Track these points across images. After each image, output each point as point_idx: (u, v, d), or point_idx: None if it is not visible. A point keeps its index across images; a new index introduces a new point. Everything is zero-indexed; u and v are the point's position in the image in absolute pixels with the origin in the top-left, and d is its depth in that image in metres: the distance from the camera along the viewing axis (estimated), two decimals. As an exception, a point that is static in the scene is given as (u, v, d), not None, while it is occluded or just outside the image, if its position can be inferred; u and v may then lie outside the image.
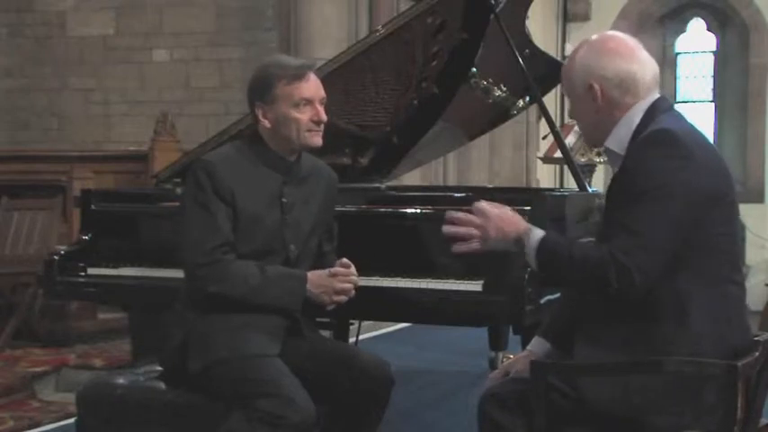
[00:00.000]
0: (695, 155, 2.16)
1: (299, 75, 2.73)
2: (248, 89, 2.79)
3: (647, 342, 2.16)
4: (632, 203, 2.14)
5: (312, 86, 2.75)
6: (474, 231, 2.31)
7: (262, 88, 2.74)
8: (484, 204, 2.33)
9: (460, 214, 2.35)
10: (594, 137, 2.40)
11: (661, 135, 2.18)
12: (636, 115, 2.28)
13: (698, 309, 2.16)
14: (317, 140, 2.77)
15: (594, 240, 2.35)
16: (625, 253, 2.11)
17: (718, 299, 2.19)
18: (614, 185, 2.25)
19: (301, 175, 2.83)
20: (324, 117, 2.76)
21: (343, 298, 2.75)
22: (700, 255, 2.17)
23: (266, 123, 2.75)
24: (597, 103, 2.29)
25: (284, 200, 2.77)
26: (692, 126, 2.29)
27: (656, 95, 2.31)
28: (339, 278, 2.74)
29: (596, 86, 2.27)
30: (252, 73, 2.83)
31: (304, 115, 2.72)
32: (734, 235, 2.25)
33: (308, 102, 2.73)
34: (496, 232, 2.30)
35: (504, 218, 2.31)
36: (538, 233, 2.27)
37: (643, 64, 2.29)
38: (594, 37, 2.36)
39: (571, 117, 2.45)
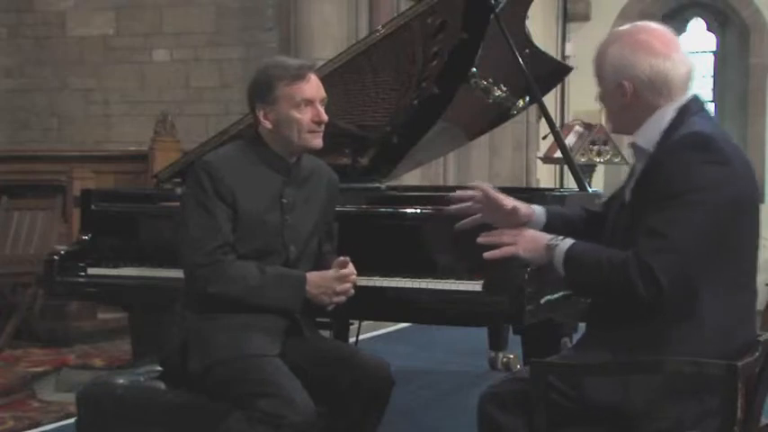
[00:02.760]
0: (731, 161, 2.14)
1: (299, 75, 2.73)
2: (249, 90, 2.79)
3: (655, 344, 2.14)
4: (664, 206, 2.12)
5: (313, 87, 2.75)
6: (508, 238, 2.34)
7: (263, 89, 2.74)
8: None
9: (497, 231, 2.40)
10: (621, 129, 2.37)
11: (698, 139, 2.14)
12: (667, 114, 2.24)
13: (711, 314, 2.15)
14: (318, 142, 2.77)
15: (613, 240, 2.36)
16: (652, 255, 2.09)
17: (731, 305, 2.17)
18: (643, 184, 2.22)
19: (302, 175, 2.83)
20: (325, 117, 2.76)
21: (342, 298, 2.75)
22: (720, 260, 2.15)
23: (267, 124, 2.75)
24: (626, 99, 2.25)
25: (285, 200, 2.77)
26: (723, 130, 2.27)
27: (689, 95, 2.27)
28: (338, 279, 2.74)
29: (627, 85, 2.24)
30: (252, 73, 2.83)
31: (305, 116, 2.72)
32: (755, 242, 2.23)
33: (309, 102, 2.73)
34: (529, 240, 2.34)
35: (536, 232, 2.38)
36: (568, 241, 2.28)
37: (676, 62, 2.23)
38: (627, 28, 2.30)
39: (599, 102, 2.40)
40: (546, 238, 2.33)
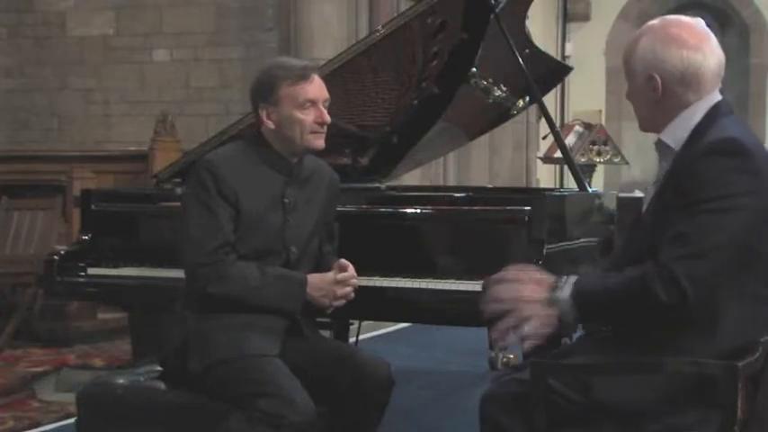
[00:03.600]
0: (762, 171, 2.10)
1: (303, 76, 2.73)
2: (252, 90, 2.79)
3: (668, 351, 2.12)
4: (691, 212, 2.08)
5: (316, 87, 2.75)
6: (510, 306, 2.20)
7: (266, 89, 2.74)
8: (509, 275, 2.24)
9: (497, 306, 2.22)
10: (649, 126, 2.31)
11: (732, 145, 2.10)
12: (697, 113, 2.20)
13: (729, 324, 2.12)
14: (320, 143, 2.77)
15: (616, 236, 2.32)
16: (676, 262, 2.05)
17: (750, 317, 2.14)
18: (669, 185, 2.18)
19: (304, 175, 2.83)
20: (327, 119, 2.76)
21: (342, 302, 2.75)
22: (742, 271, 2.12)
23: (270, 125, 2.75)
24: (656, 94, 2.21)
25: (286, 200, 2.77)
26: (753, 134, 2.23)
27: (719, 96, 2.23)
28: (339, 283, 2.74)
29: (657, 78, 2.20)
30: (253, 73, 2.83)
31: (308, 116, 2.73)
32: None
33: (312, 103, 2.73)
34: (528, 305, 2.18)
35: (530, 284, 2.21)
36: (568, 285, 2.17)
37: (707, 54, 2.19)
38: (657, 22, 2.26)
39: (628, 99, 2.37)
40: (542, 295, 2.17)
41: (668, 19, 2.27)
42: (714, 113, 2.20)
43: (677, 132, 2.22)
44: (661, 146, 2.27)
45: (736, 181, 2.08)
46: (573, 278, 2.19)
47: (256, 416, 2.47)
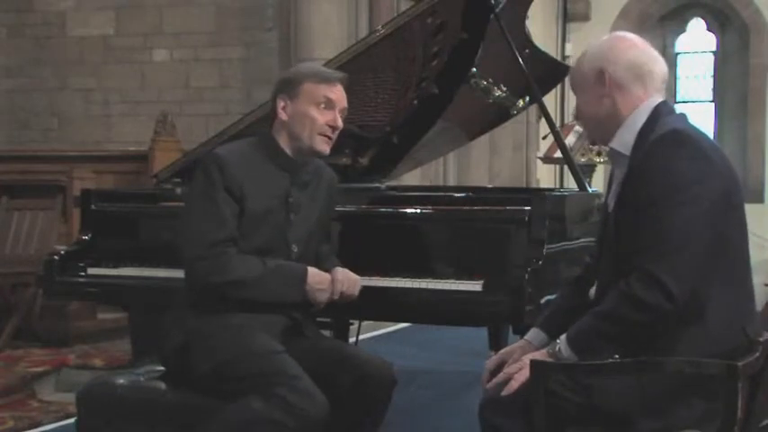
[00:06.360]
0: (710, 156, 2.16)
1: (328, 78, 2.78)
2: (275, 84, 2.83)
3: (663, 344, 2.13)
4: (653, 211, 2.12)
5: (338, 92, 2.78)
6: (515, 371, 2.28)
7: (289, 82, 2.79)
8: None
9: (501, 374, 2.32)
10: (599, 133, 2.38)
11: (678, 136, 2.16)
12: (640, 116, 2.27)
13: (715, 311, 2.15)
14: (325, 147, 2.78)
15: (596, 242, 2.36)
16: (654, 263, 2.08)
17: (733, 300, 2.17)
18: (626, 192, 2.22)
19: (308, 175, 2.84)
20: (340, 125, 2.78)
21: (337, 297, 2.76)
22: (717, 257, 2.15)
23: (283, 116, 2.77)
24: (605, 89, 2.28)
25: (290, 199, 2.78)
26: (697, 128, 2.28)
27: (661, 98, 2.30)
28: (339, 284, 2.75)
29: (606, 73, 2.27)
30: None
31: (322, 116, 2.74)
32: (746, 237, 2.24)
33: (330, 104, 2.75)
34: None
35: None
36: (561, 338, 2.23)
37: (654, 59, 2.31)
38: (607, 35, 2.38)
39: (577, 117, 2.44)
40: (545, 352, 2.26)
41: (618, 32, 2.40)
42: (656, 114, 2.26)
43: (625, 137, 2.28)
44: (613, 154, 2.33)
45: (688, 170, 2.12)
46: (563, 336, 2.23)
47: (275, 401, 2.44)
